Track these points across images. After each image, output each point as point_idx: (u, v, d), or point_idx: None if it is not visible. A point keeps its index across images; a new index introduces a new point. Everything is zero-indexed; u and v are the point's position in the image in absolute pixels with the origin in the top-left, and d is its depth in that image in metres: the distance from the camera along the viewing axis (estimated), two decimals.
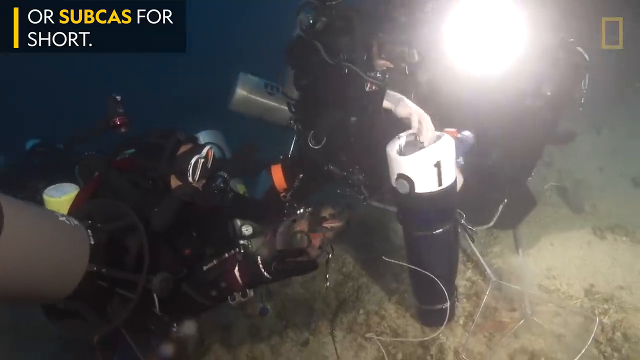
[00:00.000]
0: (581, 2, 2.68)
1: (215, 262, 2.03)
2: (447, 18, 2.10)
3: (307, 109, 2.68)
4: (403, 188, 1.91)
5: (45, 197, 2.18)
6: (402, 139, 1.99)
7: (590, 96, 4.37)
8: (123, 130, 2.84)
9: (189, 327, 2.11)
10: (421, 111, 1.98)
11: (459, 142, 2.22)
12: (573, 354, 2.08)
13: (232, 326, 3.11)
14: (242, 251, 2.12)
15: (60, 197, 2.15)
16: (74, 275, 1.42)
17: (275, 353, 2.79)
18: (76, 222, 1.49)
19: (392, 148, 1.95)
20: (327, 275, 2.08)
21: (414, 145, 1.96)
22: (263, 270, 1.89)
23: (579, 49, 2.38)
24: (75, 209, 1.97)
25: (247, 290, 2.01)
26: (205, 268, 2.02)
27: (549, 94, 2.39)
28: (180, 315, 2.07)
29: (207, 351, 3.02)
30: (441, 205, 1.98)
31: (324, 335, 2.75)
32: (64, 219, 1.45)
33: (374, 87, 2.17)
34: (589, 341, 2.08)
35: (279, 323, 2.99)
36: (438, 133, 1.95)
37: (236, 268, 1.95)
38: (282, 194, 2.81)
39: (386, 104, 2.14)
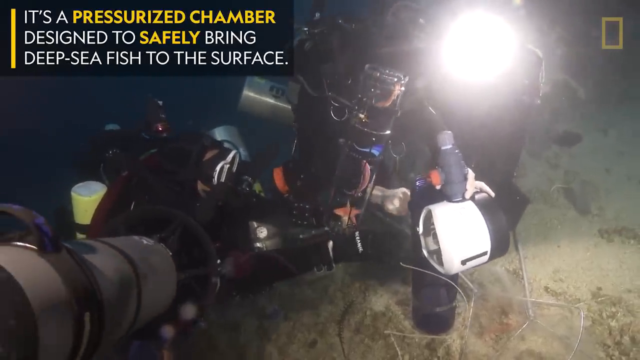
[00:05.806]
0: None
1: (305, 236, 2.31)
2: (446, 33, 2.13)
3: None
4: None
5: (73, 194, 2.18)
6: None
7: (596, 97, 4.39)
8: (164, 135, 2.87)
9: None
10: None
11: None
12: (580, 357, 2.09)
13: (240, 326, 3.12)
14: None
15: (91, 197, 2.18)
16: (173, 289, 1.51)
17: (282, 354, 2.81)
18: (152, 241, 1.55)
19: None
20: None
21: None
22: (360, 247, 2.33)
23: (530, 46, 2.41)
24: (105, 215, 2.05)
25: (334, 264, 2.39)
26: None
27: (547, 89, 2.42)
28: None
29: (215, 351, 3.03)
30: None
31: (331, 336, 2.76)
32: (146, 242, 1.50)
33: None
34: (579, 337, 2.10)
35: (286, 324, 3.00)
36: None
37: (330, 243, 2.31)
38: (285, 195, 2.87)
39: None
